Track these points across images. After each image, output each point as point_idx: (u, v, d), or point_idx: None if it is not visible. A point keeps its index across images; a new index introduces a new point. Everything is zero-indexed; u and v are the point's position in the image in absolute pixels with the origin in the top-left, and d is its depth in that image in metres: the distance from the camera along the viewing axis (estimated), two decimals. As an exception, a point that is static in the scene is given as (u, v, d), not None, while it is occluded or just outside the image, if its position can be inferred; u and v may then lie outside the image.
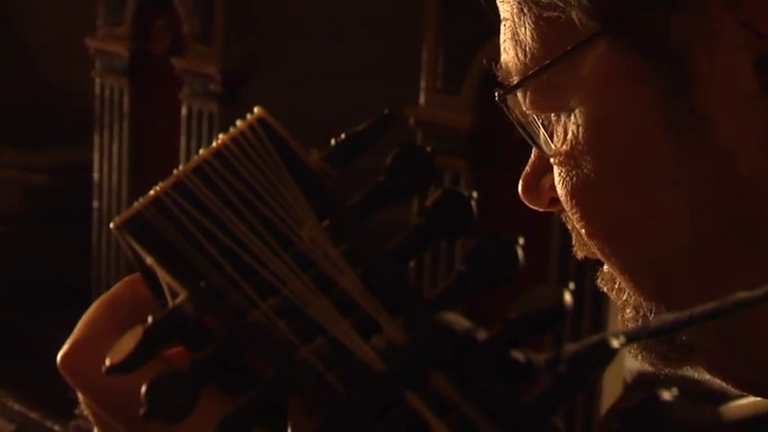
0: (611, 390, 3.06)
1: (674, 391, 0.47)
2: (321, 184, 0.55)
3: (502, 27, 0.78)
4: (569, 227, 0.78)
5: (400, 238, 0.53)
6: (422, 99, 3.44)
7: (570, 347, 0.53)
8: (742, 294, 0.60)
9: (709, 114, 0.72)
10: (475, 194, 0.52)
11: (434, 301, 0.51)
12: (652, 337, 0.59)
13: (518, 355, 0.49)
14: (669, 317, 0.60)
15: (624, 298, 0.77)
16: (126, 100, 4.43)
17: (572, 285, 0.50)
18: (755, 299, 0.60)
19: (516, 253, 0.50)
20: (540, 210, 0.81)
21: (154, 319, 0.54)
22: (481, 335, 0.49)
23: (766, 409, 0.79)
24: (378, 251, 0.53)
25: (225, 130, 0.58)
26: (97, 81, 4.50)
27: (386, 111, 0.58)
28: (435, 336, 0.49)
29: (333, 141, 0.57)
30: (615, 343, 0.48)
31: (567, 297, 0.49)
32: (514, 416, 0.49)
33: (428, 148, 0.54)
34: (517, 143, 0.81)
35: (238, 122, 0.56)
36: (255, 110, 0.56)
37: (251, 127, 0.56)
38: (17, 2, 5.10)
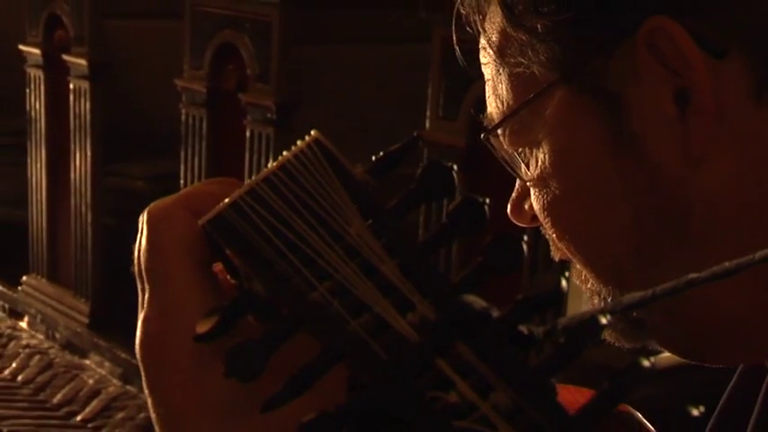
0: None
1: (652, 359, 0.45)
2: (365, 191, 0.54)
3: (486, 86, 0.79)
4: (546, 235, 0.78)
5: (429, 235, 0.52)
6: (427, 124, 3.45)
7: (562, 321, 0.50)
8: (692, 275, 0.58)
9: (641, 137, 0.71)
10: (488, 200, 0.51)
11: (458, 285, 0.50)
12: (626, 311, 0.57)
13: (523, 328, 0.48)
14: (637, 294, 0.58)
15: (589, 286, 0.77)
16: (204, 125, 4.43)
17: (567, 273, 0.48)
18: (703, 279, 0.58)
19: (521, 248, 0.49)
20: (525, 225, 0.80)
21: (233, 298, 0.54)
22: (495, 312, 0.48)
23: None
24: (411, 244, 0.52)
25: (279, 150, 0.56)
26: (183, 111, 4.51)
27: (414, 134, 0.56)
28: (459, 313, 0.48)
29: (373, 158, 0.56)
30: (603, 320, 0.46)
31: (564, 283, 0.48)
32: (522, 377, 0.47)
33: (449, 164, 0.52)
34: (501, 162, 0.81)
35: (298, 142, 0.56)
36: (312, 132, 0.56)
37: (309, 146, 0.55)
38: (124, 51, 5.09)
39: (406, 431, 0.47)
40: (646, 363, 0.45)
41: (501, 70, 0.76)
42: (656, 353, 0.78)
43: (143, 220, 0.60)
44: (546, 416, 0.45)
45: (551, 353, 0.47)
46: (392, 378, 0.48)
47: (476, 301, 0.48)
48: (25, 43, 5.25)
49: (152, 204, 0.61)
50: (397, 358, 0.48)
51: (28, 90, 5.31)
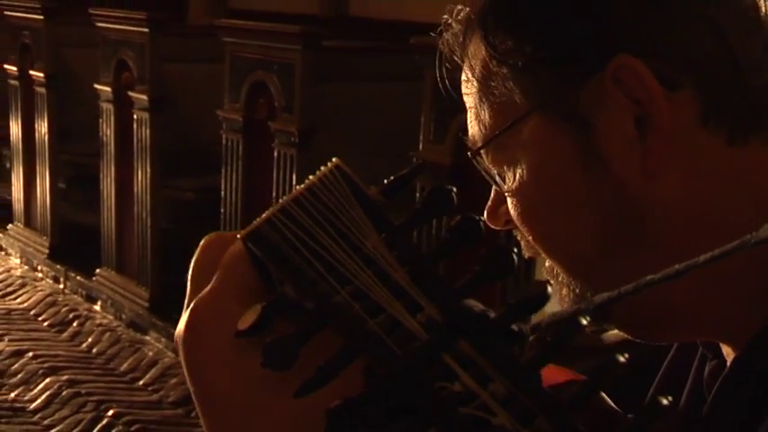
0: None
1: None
2: (379, 209, 0.52)
3: (468, 113, 0.76)
4: (519, 237, 0.76)
5: (434, 247, 0.49)
6: (420, 146, 3.43)
7: (545, 321, 0.48)
8: (650, 277, 0.55)
9: (606, 155, 0.69)
10: (483, 217, 0.48)
11: (459, 290, 0.48)
12: (597, 309, 0.54)
13: (514, 326, 0.47)
14: (605, 294, 0.56)
15: (560, 280, 0.75)
16: (240, 148, 4.42)
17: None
18: (658, 280, 0.56)
19: (513, 258, 0.46)
20: (498, 228, 0.78)
21: (268, 300, 0.52)
22: (492, 314, 0.45)
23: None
24: (419, 255, 0.50)
25: (301, 167, 0.54)
26: (223, 136, 4.49)
27: (420, 162, 0.53)
28: (461, 314, 0.46)
29: (385, 181, 0.54)
30: (583, 321, 0.43)
31: (549, 289, 0.45)
32: (516, 370, 0.45)
33: (450, 186, 0.50)
34: (480, 176, 0.78)
35: (322, 168, 0.54)
36: (334, 159, 0.54)
37: (331, 171, 0.53)
38: (177, 88, 5.09)
39: (417, 416, 0.45)
40: (621, 359, 0.43)
41: (484, 99, 0.73)
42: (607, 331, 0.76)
43: (199, 246, 0.59)
44: (537, 403, 0.44)
45: (539, 349, 0.44)
46: (405, 370, 0.46)
47: (475, 304, 0.47)
48: (99, 83, 5.25)
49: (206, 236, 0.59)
50: (409, 353, 0.47)
51: (100, 120, 5.31)
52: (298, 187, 0.53)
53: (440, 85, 0.81)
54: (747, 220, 0.64)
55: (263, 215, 0.53)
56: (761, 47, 0.68)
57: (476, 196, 0.83)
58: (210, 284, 0.55)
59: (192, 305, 0.56)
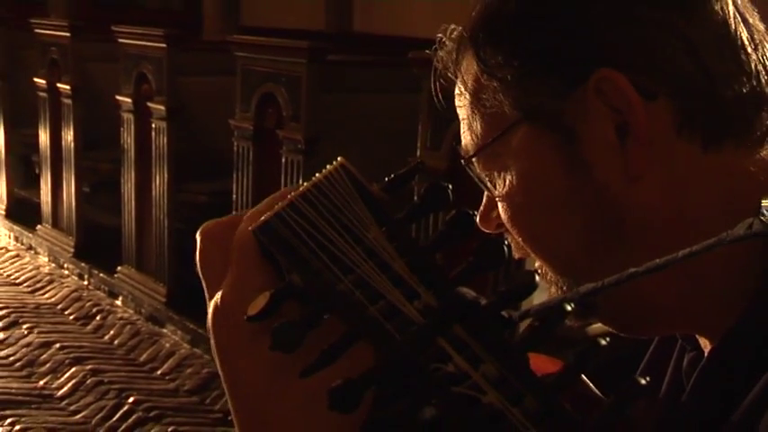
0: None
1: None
2: (380, 205, 0.52)
3: (461, 123, 0.76)
4: (510, 239, 0.75)
5: (430, 239, 0.49)
6: (418, 152, 3.42)
7: (534, 308, 0.47)
8: (632, 270, 0.55)
9: (589, 161, 0.68)
10: (476, 212, 0.47)
11: (454, 279, 0.48)
12: (583, 298, 0.54)
13: (504, 312, 0.47)
14: (590, 285, 0.55)
15: (549, 278, 0.74)
16: (251, 154, 4.41)
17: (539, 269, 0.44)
18: (641, 273, 0.55)
19: (504, 250, 0.46)
20: (491, 231, 0.77)
21: (277, 287, 0.51)
22: (483, 301, 0.45)
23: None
24: (417, 247, 0.50)
25: (307, 172, 0.53)
26: (235, 143, 4.48)
27: (418, 161, 0.53)
28: (455, 301, 0.46)
29: (386, 179, 0.54)
30: (567, 307, 0.43)
31: (537, 278, 0.45)
32: (506, 352, 0.46)
33: (446, 184, 0.50)
34: (471, 180, 0.77)
35: (328, 166, 0.53)
36: (339, 158, 0.53)
37: (336, 169, 0.53)
38: (192, 99, 5.08)
39: (414, 395, 0.45)
40: (603, 341, 0.43)
41: (475, 110, 0.73)
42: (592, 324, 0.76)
43: (198, 235, 0.58)
44: (525, 384, 0.44)
45: (528, 333, 0.44)
46: (403, 352, 0.46)
47: (468, 292, 0.47)
48: (120, 95, 5.24)
49: (203, 225, 0.59)
50: (407, 337, 0.47)
51: (121, 129, 5.30)
52: (305, 184, 0.53)
53: (435, 98, 0.81)
54: (722, 220, 0.64)
55: (273, 209, 0.53)
56: (731, 61, 0.68)
57: (469, 198, 0.83)
58: (229, 276, 0.55)
59: (215, 297, 0.55)
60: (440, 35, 0.77)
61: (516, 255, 0.76)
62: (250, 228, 0.54)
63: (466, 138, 0.76)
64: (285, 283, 0.52)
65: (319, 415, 0.49)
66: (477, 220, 0.77)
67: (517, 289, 0.45)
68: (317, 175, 0.53)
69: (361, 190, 0.51)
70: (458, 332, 0.45)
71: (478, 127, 0.73)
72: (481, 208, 0.78)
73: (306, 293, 0.50)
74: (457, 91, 0.76)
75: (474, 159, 0.74)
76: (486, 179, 0.75)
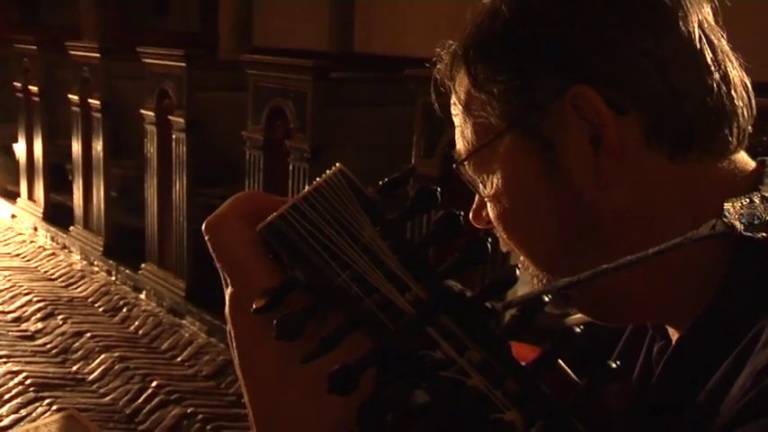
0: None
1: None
2: (375, 206, 0.52)
3: (456, 130, 0.76)
4: (498, 235, 0.75)
5: (421, 238, 0.48)
6: (413, 160, 3.41)
7: (515, 299, 0.47)
8: (605, 266, 0.54)
9: (567, 169, 0.68)
10: (463, 213, 0.47)
11: (442, 273, 0.48)
12: (561, 291, 0.53)
13: (489, 304, 0.45)
14: (566, 279, 0.55)
15: (531, 272, 0.74)
16: (261, 162, 4.40)
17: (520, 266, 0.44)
18: (612, 268, 0.55)
19: (487, 247, 0.45)
20: (481, 228, 0.77)
21: (281, 281, 0.51)
22: (469, 293, 0.44)
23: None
24: (409, 244, 0.50)
25: (312, 179, 0.53)
26: (247, 152, 4.47)
27: (411, 166, 0.52)
28: (443, 293, 0.45)
29: (380, 182, 0.54)
30: (546, 298, 0.42)
31: (518, 272, 0.44)
32: (489, 340, 0.45)
33: (435, 187, 0.49)
34: (462, 186, 0.78)
35: (327, 171, 0.52)
36: (337, 164, 0.52)
37: (335, 174, 0.53)
38: (209, 113, 5.07)
39: (405, 379, 0.44)
40: (577, 329, 0.43)
41: (467, 119, 0.74)
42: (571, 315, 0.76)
43: (204, 229, 0.57)
44: (506, 368, 0.43)
45: (509, 322, 0.44)
46: (395, 340, 0.46)
47: (455, 285, 0.46)
48: (144, 108, 5.24)
49: (209, 217, 0.57)
50: (399, 326, 0.46)
51: (145, 140, 5.29)
52: (307, 187, 0.53)
53: (434, 105, 0.81)
54: (688, 222, 0.64)
55: (278, 211, 0.53)
56: (695, 79, 0.68)
57: (460, 200, 0.82)
58: (239, 273, 0.54)
59: (228, 291, 0.55)
60: (438, 49, 0.77)
61: (503, 248, 0.76)
62: (257, 228, 0.54)
63: (459, 143, 0.76)
64: (288, 277, 0.52)
65: (322, 398, 0.48)
66: (470, 217, 0.78)
67: (499, 282, 0.45)
68: (317, 179, 0.52)
69: (358, 193, 0.51)
70: (445, 322, 0.45)
71: (469, 134, 0.74)
72: (473, 206, 0.78)
73: (307, 287, 0.50)
74: (452, 101, 0.77)
75: (465, 163, 0.75)
76: (477, 181, 0.75)
